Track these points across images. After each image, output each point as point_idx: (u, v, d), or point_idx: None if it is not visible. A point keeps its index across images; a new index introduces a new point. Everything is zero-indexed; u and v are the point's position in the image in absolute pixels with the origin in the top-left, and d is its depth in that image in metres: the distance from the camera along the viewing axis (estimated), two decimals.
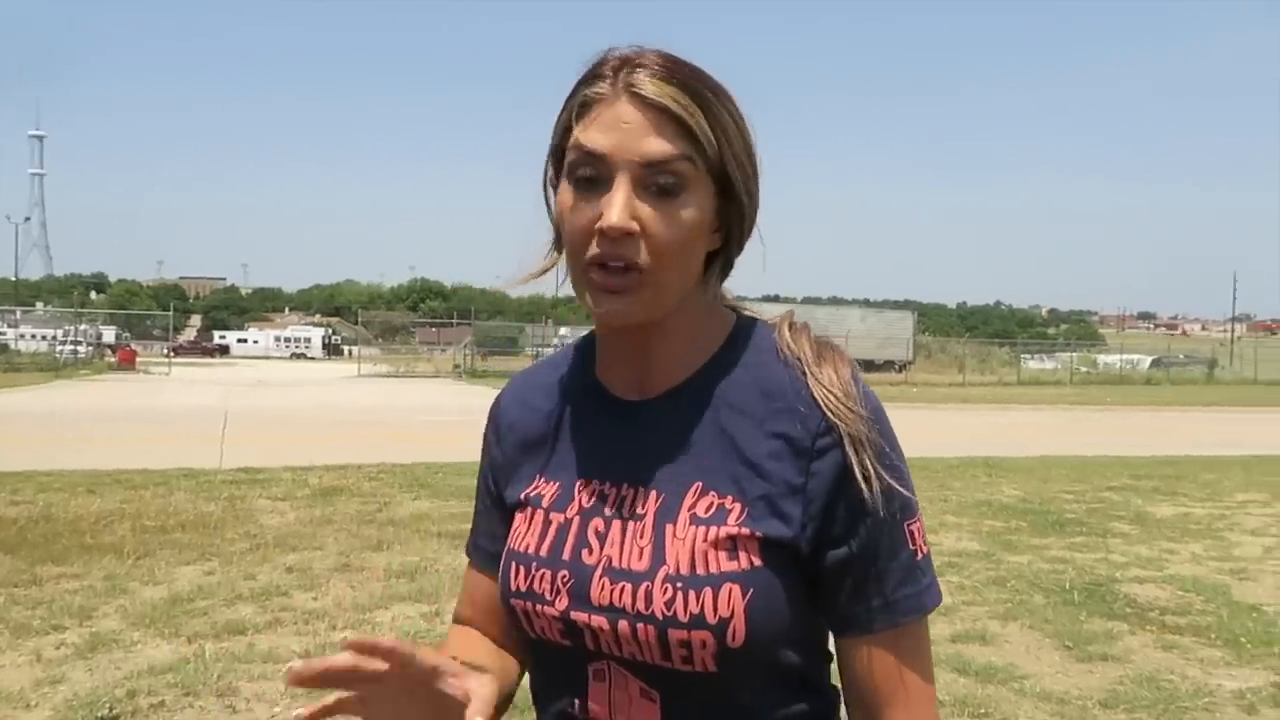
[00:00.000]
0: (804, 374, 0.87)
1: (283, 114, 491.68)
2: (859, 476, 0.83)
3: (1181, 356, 55.44)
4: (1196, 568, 6.27)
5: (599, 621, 0.86)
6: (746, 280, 0.98)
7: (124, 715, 3.57)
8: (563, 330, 55.49)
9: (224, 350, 70.06)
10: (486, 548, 1.02)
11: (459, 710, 0.77)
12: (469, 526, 1.08)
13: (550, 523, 0.92)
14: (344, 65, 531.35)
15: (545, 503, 0.93)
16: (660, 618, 0.83)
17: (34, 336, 44.96)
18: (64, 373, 30.12)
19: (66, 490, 8.03)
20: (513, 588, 0.91)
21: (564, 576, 0.88)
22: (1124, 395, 31.84)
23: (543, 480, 0.95)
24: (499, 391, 1.07)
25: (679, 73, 0.82)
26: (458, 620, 1.08)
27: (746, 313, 0.97)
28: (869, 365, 40.11)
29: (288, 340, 78.05)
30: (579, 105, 0.84)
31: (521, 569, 0.91)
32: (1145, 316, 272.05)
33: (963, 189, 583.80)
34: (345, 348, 76.10)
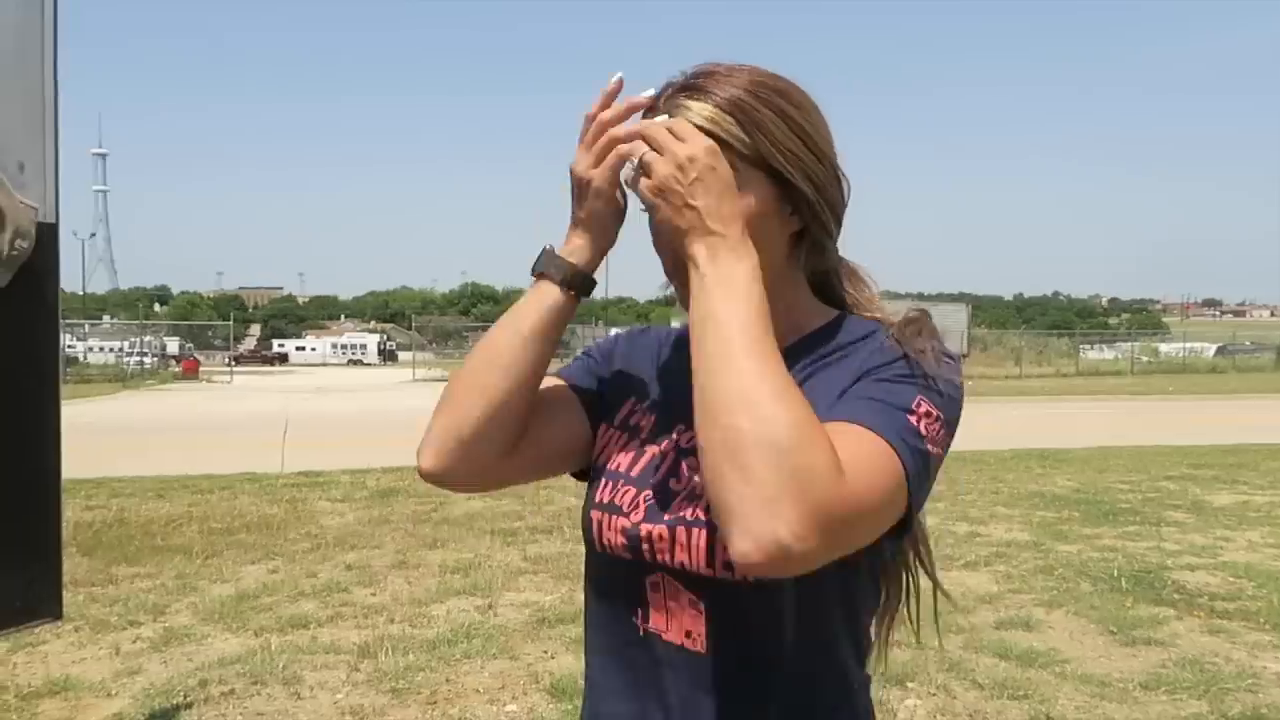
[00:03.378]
0: (896, 341, 0.97)
1: (336, 121, 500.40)
2: (909, 351, 0.94)
3: (1248, 343, 53.77)
4: (1251, 555, 6.21)
5: (660, 530, 0.97)
6: None
7: (197, 703, 3.78)
8: (613, 330, 55.62)
9: (283, 358, 71.15)
10: (576, 383, 1.12)
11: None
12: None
13: (645, 451, 1.04)
14: (396, 70, 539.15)
15: (643, 434, 1.06)
16: (710, 522, 0.91)
17: (102, 349, 46.20)
18: (131, 383, 31.04)
19: (138, 495, 8.38)
20: (596, 499, 1.04)
21: (647, 495, 1.00)
22: (1187, 384, 31.05)
23: (641, 411, 1.08)
24: (617, 329, 1.20)
25: (713, 90, 0.94)
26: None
27: (870, 315, 1.05)
28: None
29: (344, 347, 79.14)
30: None
31: (609, 484, 1.03)
32: (1210, 304, 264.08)
33: (1018, 180, 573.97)
34: (400, 353, 77.09)
